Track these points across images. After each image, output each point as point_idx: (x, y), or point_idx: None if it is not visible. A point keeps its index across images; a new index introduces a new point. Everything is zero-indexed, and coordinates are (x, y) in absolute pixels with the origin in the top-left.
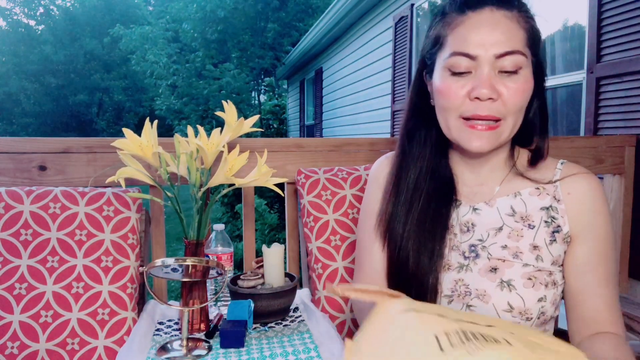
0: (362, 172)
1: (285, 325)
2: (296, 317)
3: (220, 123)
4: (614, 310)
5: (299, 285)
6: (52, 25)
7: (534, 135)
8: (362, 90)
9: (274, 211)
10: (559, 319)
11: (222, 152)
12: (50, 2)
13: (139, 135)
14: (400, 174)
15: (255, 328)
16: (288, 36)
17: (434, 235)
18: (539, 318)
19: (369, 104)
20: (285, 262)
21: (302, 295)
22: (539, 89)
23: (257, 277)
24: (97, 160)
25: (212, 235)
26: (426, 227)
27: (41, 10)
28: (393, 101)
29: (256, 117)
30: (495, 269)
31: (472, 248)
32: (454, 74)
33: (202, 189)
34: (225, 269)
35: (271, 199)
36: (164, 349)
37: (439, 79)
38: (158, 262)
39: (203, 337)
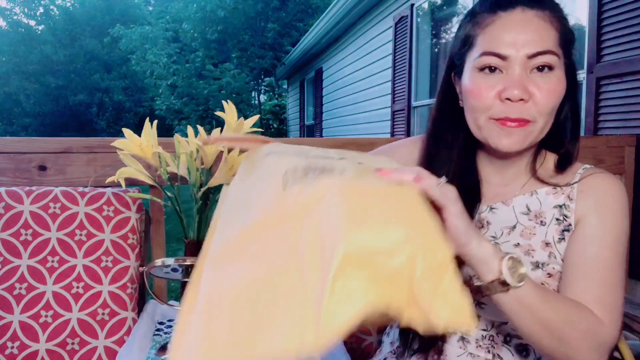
0: None
1: None
2: None
3: (220, 123)
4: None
5: None
6: (52, 25)
7: (564, 138)
8: (362, 90)
9: None
10: None
11: (222, 152)
12: (50, 2)
13: (139, 135)
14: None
15: None
16: (288, 36)
17: None
18: None
19: (369, 104)
20: None
21: None
22: (571, 92)
23: None
24: (97, 160)
25: None
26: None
27: (41, 10)
28: (393, 101)
29: (256, 117)
30: None
31: None
32: (485, 74)
33: (202, 189)
34: None
35: None
36: (164, 349)
37: (468, 79)
38: (158, 262)
39: None
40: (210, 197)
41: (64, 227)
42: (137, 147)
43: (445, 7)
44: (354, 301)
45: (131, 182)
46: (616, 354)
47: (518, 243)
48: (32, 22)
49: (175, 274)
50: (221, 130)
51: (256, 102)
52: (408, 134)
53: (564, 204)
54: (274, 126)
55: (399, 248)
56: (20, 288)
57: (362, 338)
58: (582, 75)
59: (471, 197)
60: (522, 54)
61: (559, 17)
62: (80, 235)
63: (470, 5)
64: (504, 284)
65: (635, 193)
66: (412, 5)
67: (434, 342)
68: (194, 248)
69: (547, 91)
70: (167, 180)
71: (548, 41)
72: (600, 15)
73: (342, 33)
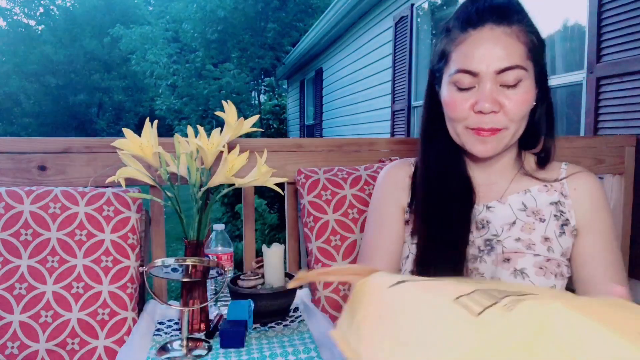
0: (362, 172)
1: (285, 325)
2: (296, 317)
3: (220, 123)
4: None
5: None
6: (52, 25)
7: (540, 138)
8: (362, 90)
9: (274, 211)
10: None
11: (222, 152)
12: (50, 2)
13: (139, 135)
14: (428, 177)
15: (255, 328)
16: (288, 36)
17: (461, 237)
18: None
19: (369, 104)
20: (285, 262)
21: (302, 295)
22: (543, 95)
23: (257, 277)
24: (97, 160)
25: (212, 235)
26: (451, 229)
27: (41, 10)
28: (393, 101)
29: (256, 117)
30: (509, 260)
31: (487, 242)
32: (459, 89)
33: (202, 189)
34: (225, 269)
35: (271, 199)
36: (164, 349)
37: (446, 93)
38: (158, 262)
39: (203, 337)
40: (210, 197)
41: (64, 227)
42: (137, 147)
43: (445, 7)
44: None
45: (131, 182)
46: None
47: (519, 237)
48: (32, 22)
49: (175, 274)
50: (221, 131)
51: (256, 102)
52: (408, 134)
53: (559, 201)
54: (274, 126)
55: None
56: (20, 288)
57: None
58: (582, 75)
59: (466, 198)
60: (492, 70)
61: (526, 31)
62: (80, 235)
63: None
64: None
65: (635, 193)
66: (412, 5)
67: None
68: (194, 248)
69: (516, 102)
70: (167, 180)
71: (515, 56)
72: (600, 15)
73: (342, 33)
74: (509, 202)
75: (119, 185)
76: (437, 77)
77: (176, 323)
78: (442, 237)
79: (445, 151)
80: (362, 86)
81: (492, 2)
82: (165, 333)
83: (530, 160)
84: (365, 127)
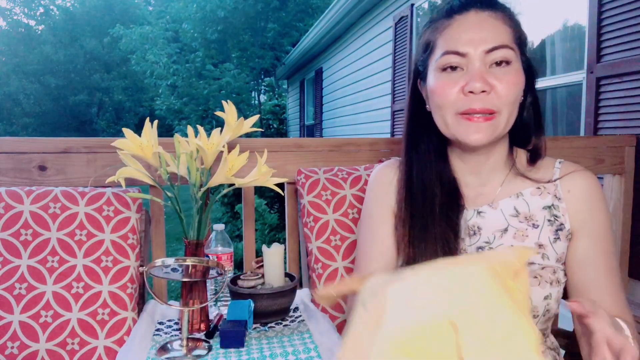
0: (362, 172)
1: (285, 325)
2: (296, 317)
3: (220, 123)
4: (620, 300)
5: (299, 285)
6: (52, 25)
7: (531, 134)
8: (362, 90)
9: (274, 211)
10: (559, 318)
11: (222, 152)
12: (50, 2)
13: (139, 135)
14: (410, 181)
15: (255, 328)
16: (288, 36)
17: (447, 242)
18: (544, 315)
19: (369, 104)
20: (285, 262)
21: (302, 295)
22: (530, 86)
23: (257, 277)
24: (97, 160)
25: (212, 235)
26: (439, 235)
27: (41, 10)
28: (393, 101)
29: (256, 117)
30: None
31: (480, 250)
32: (447, 72)
33: (202, 189)
34: (225, 269)
35: (271, 199)
36: (164, 349)
37: (433, 80)
38: (158, 262)
39: (203, 337)
40: (210, 197)
41: (64, 227)
42: (137, 147)
43: None
44: None
45: (131, 182)
46: None
47: (512, 245)
48: (32, 22)
49: (175, 274)
50: (221, 131)
51: (256, 102)
52: None
53: (552, 204)
54: (274, 126)
55: (438, 326)
56: (20, 288)
57: None
58: (582, 75)
59: (454, 202)
60: (480, 50)
61: (511, 17)
62: (80, 235)
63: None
64: None
65: (635, 193)
66: (412, 5)
67: None
68: (194, 248)
69: (507, 82)
70: (167, 180)
71: (503, 37)
72: (600, 15)
73: (342, 33)
74: (500, 207)
75: (119, 185)
76: (422, 71)
77: (176, 323)
78: (431, 246)
79: (430, 154)
80: (362, 86)
81: None
82: (165, 333)
83: (522, 157)
84: (365, 127)
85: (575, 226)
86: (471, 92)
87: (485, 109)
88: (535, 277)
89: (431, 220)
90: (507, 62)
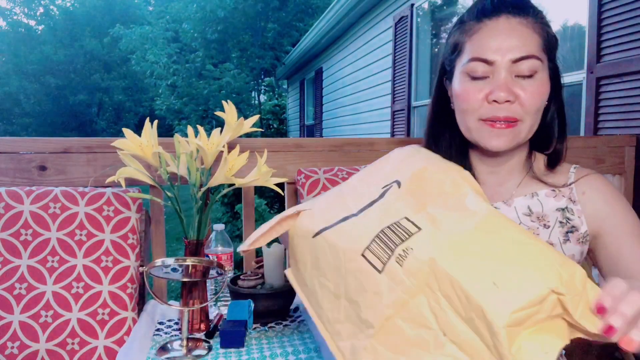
0: None
1: (285, 325)
2: (296, 317)
3: (220, 123)
4: None
5: None
6: (52, 25)
7: (552, 138)
8: (362, 90)
9: (274, 211)
10: None
11: (222, 152)
12: (50, 2)
13: (139, 135)
14: None
15: (255, 328)
16: (288, 36)
17: None
18: None
19: (369, 104)
20: (285, 262)
21: None
22: (556, 93)
23: (257, 277)
24: (97, 160)
25: (212, 235)
26: None
27: (41, 10)
28: (393, 101)
29: (256, 117)
30: None
31: None
32: (473, 78)
33: (202, 189)
34: (225, 269)
35: (271, 199)
36: (164, 349)
37: (458, 84)
38: (158, 262)
39: (203, 337)
40: (210, 197)
41: (64, 227)
42: (137, 147)
43: (445, 7)
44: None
45: (131, 182)
46: (617, 354)
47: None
48: (32, 22)
49: (175, 274)
50: (221, 131)
51: (256, 102)
52: (408, 134)
53: (567, 207)
54: (274, 126)
55: (545, 298)
56: (20, 288)
57: None
58: (582, 75)
59: None
60: (507, 59)
61: (541, 24)
62: (80, 235)
63: (470, 6)
64: None
65: (635, 193)
66: (412, 5)
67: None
68: (194, 248)
69: (532, 93)
70: (167, 180)
71: (531, 46)
72: (600, 15)
73: (342, 33)
74: (514, 205)
75: (119, 185)
76: (449, 71)
77: (176, 323)
78: None
79: (451, 151)
80: (362, 86)
81: None
82: (165, 333)
83: (539, 161)
84: (365, 127)
85: (596, 225)
86: (495, 100)
87: (508, 117)
88: None
89: None
90: (533, 73)
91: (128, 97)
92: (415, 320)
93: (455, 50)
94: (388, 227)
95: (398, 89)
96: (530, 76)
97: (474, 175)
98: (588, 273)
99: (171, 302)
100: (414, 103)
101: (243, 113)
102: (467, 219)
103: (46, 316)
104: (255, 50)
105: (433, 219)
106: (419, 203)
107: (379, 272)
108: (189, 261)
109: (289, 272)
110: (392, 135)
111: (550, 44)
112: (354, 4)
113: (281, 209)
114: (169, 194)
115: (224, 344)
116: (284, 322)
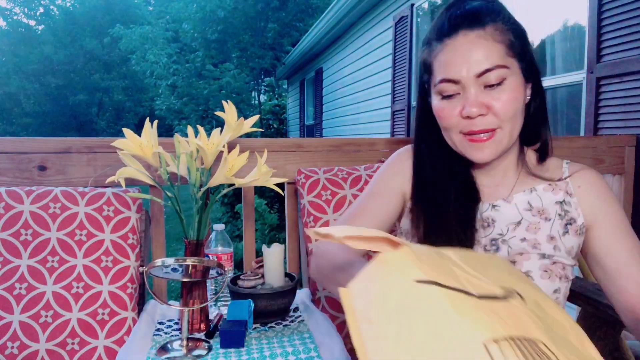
0: (362, 172)
1: (285, 325)
2: (296, 317)
3: (220, 123)
4: None
5: (299, 285)
6: (52, 25)
7: (540, 131)
8: (362, 90)
9: (274, 211)
10: None
11: (222, 152)
12: (50, 2)
13: (139, 135)
14: (421, 176)
15: (255, 328)
16: (288, 36)
17: (464, 235)
18: None
19: (369, 104)
20: (285, 262)
21: (302, 295)
22: (535, 88)
23: (257, 277)
24: (97, 160)
25: (212, 235)
26: (455, 228)
27: (41, 10)
28: (393, 101)
29: (256, 117)
30: (514, 262)
31: (493, 242)
32: (445, 97)
33: (202, 189)
34: (225, 269)
35: (271, 199)
36: (164, 349)
37: (435, 102)
38: (158, 262)
39: (203, 337)
40: (210, 197)
41: (64, 227)
42: (137, 147)
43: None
44: None
45: (131, 182)
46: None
47: (524, 237)
48: (32, 22)
49: (175, 274)
50: (221, 131)
51: (256, 102)
52: (408, 134)
53: (564, 200)
54: (274, 126)
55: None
56: (20, 288)
57: None
58: (582, 75)
59: (471, 196)
60: (472, 75)
61: (502, 30)
62: (80, 235)
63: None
64: None
65: (635, 193)
66: (412, 5)
67: None
68: (194, 248)
69: (504, 101)
70: (167, 180)
71: (493, 57)
72: (600, 15)
73: (342, 33)
74: (515, 202)
75: (119, 185)
76: (427, 89)
77: (176, 323)
78: (447, 236)
79: (441, 158)
80: (362, 86)
81: (464, 8)
82: (165, 333)
83: (531, 157)
84: (365, 127)
85: (591, 218)
86: (468, 116)
87: (485, 130)
88: (546, 270)
89: (445, 210)
90: (502, 81)
91: (128, 97)
92: None
93: (427, 70)
94: (525, 339)
95: (398, 89)
96: (499, 84)
97: (473, 177)
98: (583, 266)
99: (171, 302)
100: (414, 103)
101: (243, 113)
102: None
103: (46, 316)
104: (255, 50)
105: None
106: (549, 339)
107: None
108: (189, 261)
109: (346, 292)
110: (392, 135)
111: (515, 45)
112: (354, 4)
113: (281, 209)
114: (169, 194)
115: (224, 344)
116: (284, 322)
